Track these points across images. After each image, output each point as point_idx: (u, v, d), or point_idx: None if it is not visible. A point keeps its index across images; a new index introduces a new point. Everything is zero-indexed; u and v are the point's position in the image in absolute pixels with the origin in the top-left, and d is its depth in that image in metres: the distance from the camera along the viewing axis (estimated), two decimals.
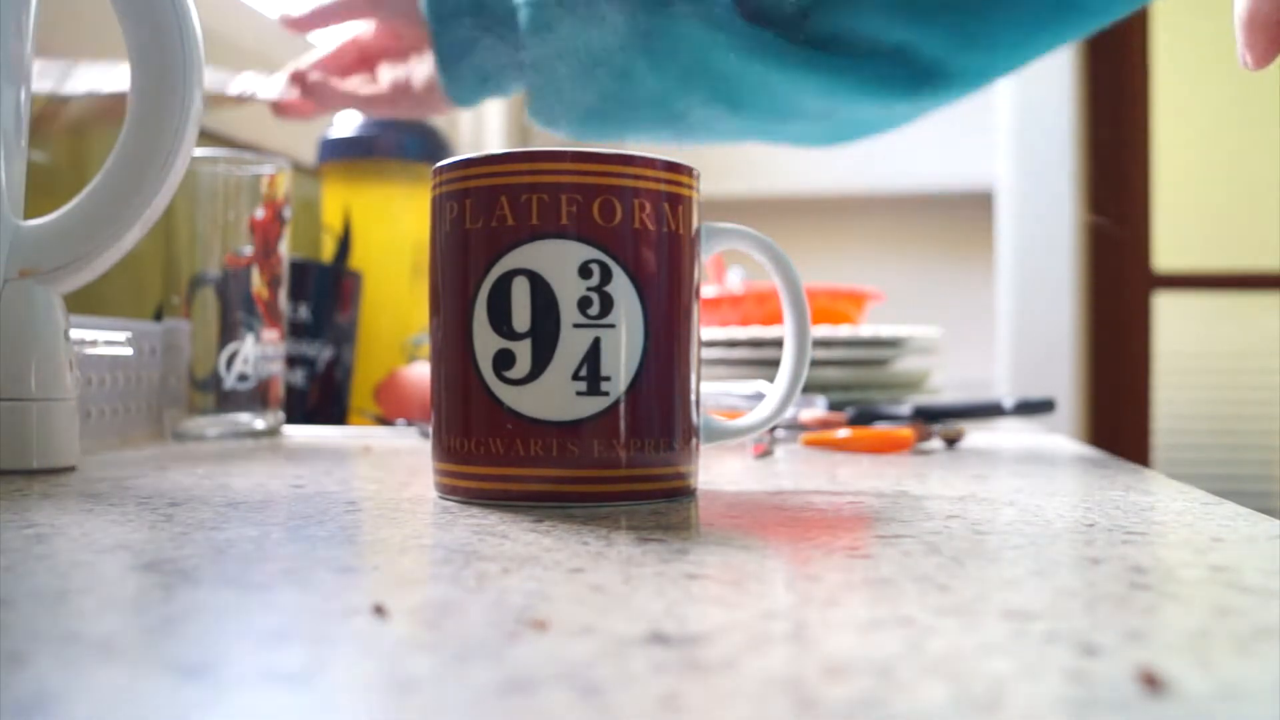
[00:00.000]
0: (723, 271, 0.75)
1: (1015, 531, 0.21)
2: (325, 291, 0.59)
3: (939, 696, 0.11)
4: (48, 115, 0.43)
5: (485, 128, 1.17)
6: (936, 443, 0.44)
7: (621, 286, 0.25)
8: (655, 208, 0.26)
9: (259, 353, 0.48)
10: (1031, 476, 0.33)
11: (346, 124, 0.69)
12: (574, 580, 0.17)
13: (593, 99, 0.46)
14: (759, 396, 0.48)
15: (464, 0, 0.46)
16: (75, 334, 0.39)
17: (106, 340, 0.46)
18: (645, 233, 0.25)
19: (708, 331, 0.56)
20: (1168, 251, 1.39)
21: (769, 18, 0.44)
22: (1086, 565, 0.18)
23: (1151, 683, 0.11)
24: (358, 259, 0.66)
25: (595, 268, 0.25)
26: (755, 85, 0.46)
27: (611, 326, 0.25)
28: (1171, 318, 1.40)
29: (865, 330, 0.56)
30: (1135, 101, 1.34)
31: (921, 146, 1.35)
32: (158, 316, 0.52)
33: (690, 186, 0.27)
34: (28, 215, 0.34)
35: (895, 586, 0.16)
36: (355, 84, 0.52)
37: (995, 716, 0.11)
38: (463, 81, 0.48)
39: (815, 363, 0.55)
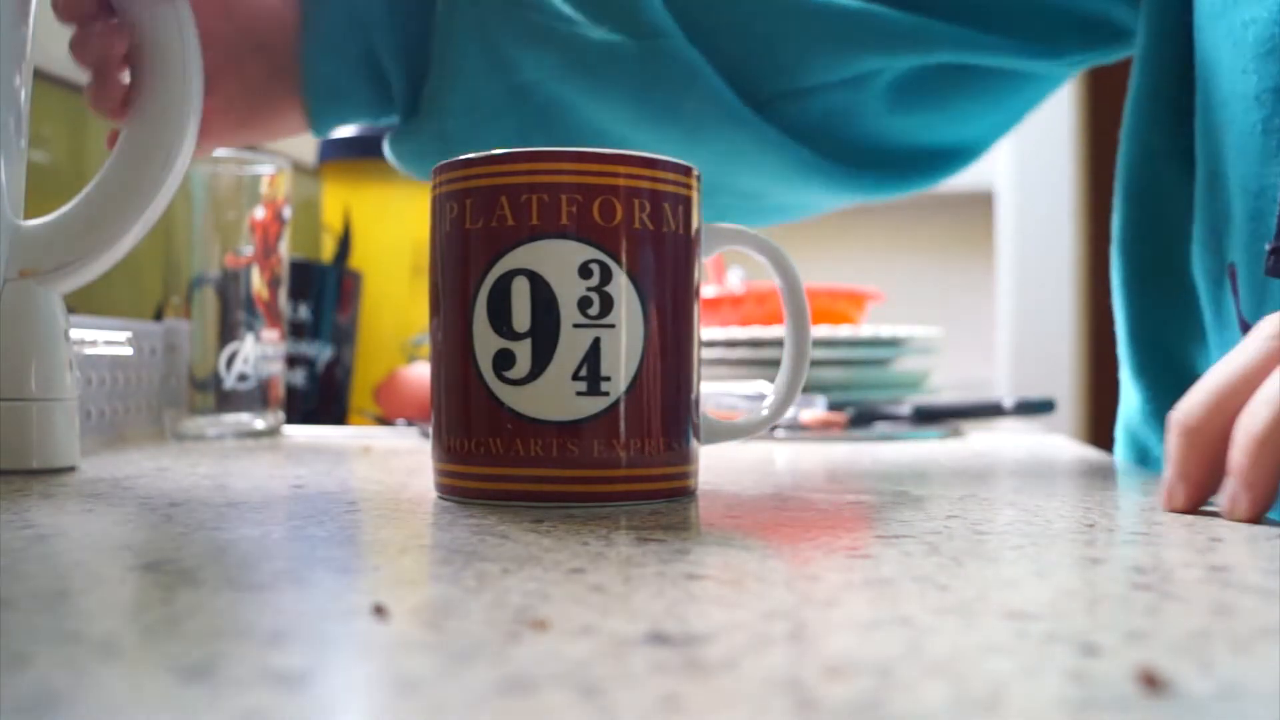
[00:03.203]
0: (723, 271, 0.75)
1: (1015, 532, 0.21)
2: (325, 291, 0.59)
3: (939, 697, 0.11)
4: None
5: None
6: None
7: (622, 286, 0.25)
8: (655, 208, 0.26)
9: (259, 353, 0.48)
10: (1031, 477, 0.33)
11: None
12: (574, 580, 0.17)
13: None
14: (759, 397, 0.48)
15: None
16: (75, 334, 0.38)
17: (106, 340, 0.46)
18: (646, 233, 0.25)
19: (708, 332, 0.56)
20: None
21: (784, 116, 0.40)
22: (1087, 565, 0.18)
23: (1151, 683, 0.11)
24: (358, 259, 0.66)
25: (595, 268, 0.25)
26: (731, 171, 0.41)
27: (611, 326, 0.25)
28: None
29: (865, 330, 0.56)
30: None
31: None
32: (158, 316, 0.52)
33: (691, 187, 0.27)
34: (28, 215, 0.34)
35: (895, 586, 0.16)
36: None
37: (995, 717, 0.11)
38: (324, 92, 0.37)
39: (815, 363, 0.55)
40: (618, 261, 0.25)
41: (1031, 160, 1.31)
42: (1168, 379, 0.37)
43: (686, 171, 0.27)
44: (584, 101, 0.39)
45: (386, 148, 0.42)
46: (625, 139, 0.40)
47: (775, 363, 0.54)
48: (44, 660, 0.12)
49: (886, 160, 0.44)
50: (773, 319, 0.61)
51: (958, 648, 0.13)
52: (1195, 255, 0.34)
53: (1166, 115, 0.36)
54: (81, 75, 0.35)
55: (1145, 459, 0.39)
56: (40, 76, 0.54)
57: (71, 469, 0.32)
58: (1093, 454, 0.42)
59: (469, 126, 0.39)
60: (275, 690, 0.11)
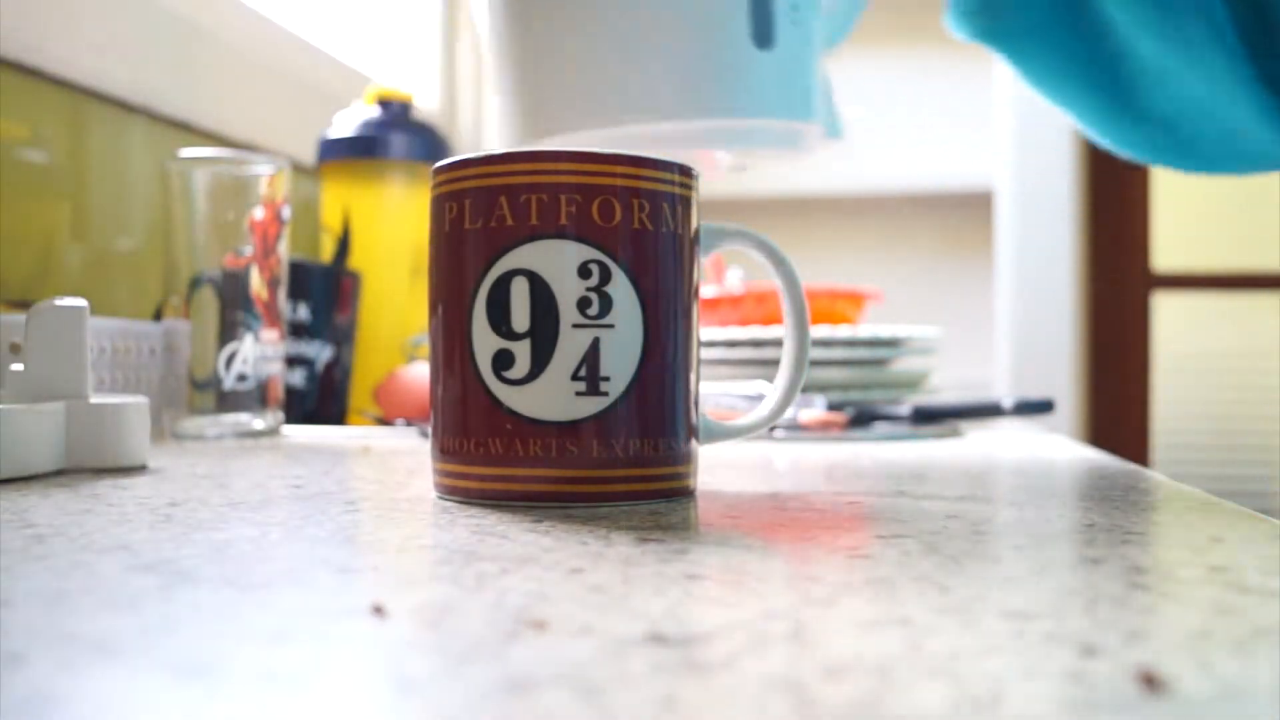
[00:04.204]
0: (722, 272, 0.74)
1: (1015, 531, 0.21)
2: (324, 292, 0.59)
3: (938, 697, 0.11)
4: None
5: (484, 128, 1.17)
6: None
7: (621, 287, 0.25)
8: (654, 208, 0.26)
9: (258, 353, 0.48)
10: (1031, 476, 0.33)
11: (346, 124, 0.69)
12: (573, 580, 0.17)
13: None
14: (759, 397, 0.48)
15: None
16: None
17: None
18: (645, 233, 0.25)
19: (708, 332, 0.56)
20: (1167, 251, 1.39)
21: None
22: (1086, 565, 0.18)
23: (1151, 683, 0.11)
24: (357, 259, 0.66)
25: (594, 268, 0.25)
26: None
27: (611, 327, 0.25)
28: (1170, 318, 1.40)
29: (864, 330, 0.56)
30: None
31: (921, 146, 1.35)
32: (157, 316, 0.52)
33: (689, 187, 0.27)
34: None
35: (894, 586, 0.16)
36: None
37: (994, 717, 0.11)
38: None
39: (814, 363, 0.55)
40: (617, 262, 0.25)
41: (1031, 160, 1.31)
42: None
43: (686, 171, 0.27)
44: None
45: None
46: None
47: (775, 363, 0.53)
48: (42, 660, 0.12)
49: None
50: (772, 319, 0.61)
51: (957, 648, 0.13)
52: None
53: None
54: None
55: None
56: (40, 76, 0.54)
57: (143, 468, 0.33)
58: (1092, 454, 0.42)
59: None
60: (274, 690, 0.11)
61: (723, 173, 0.46)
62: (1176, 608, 0.15)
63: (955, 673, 0.12)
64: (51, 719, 0.10)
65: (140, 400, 0.34)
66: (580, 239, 0.25)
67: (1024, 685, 0.12)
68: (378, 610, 0.14)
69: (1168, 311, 1.40)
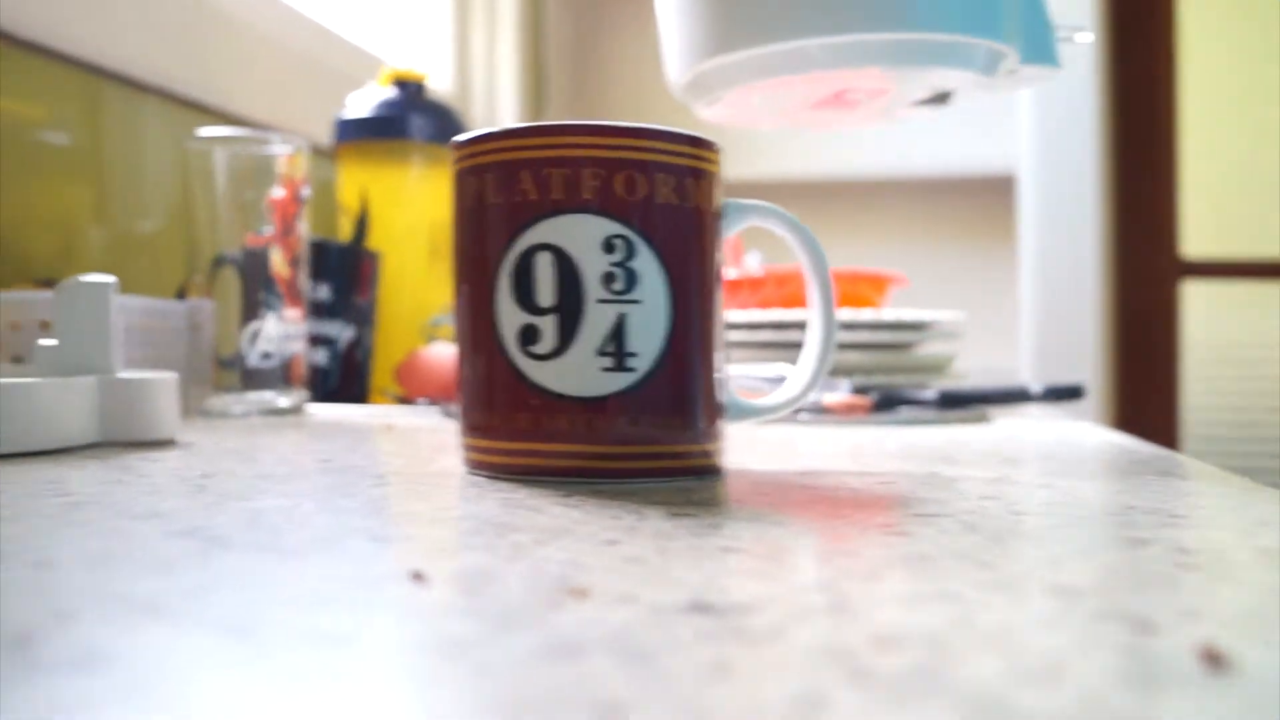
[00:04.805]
0: (741, 254, 0.74)
1: (1053, 513, 0.21)
2: (345, 272, 0.59)
3: (995, 669, 0.11)
4: None
5: (498, 106, 1.17)
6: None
7: (646, 261, 0.25)
8: (678, 182, 0.25)
9: (281, 331, 0.48)
10: (1064, 460, 0.32)
11: (361, 105, 0.69)
12: (609, 551, 0.16)
13: None
14: (780, 379, 0.48)
15: None
16: None
17: None
18: (669, 207, 0.25)
19: (730, 314, 0.56)
20: (1195, 238, 1.37)
21: None
22: (1131, 545, 0.18)
23: (1214, 659, 0.11)
24: (375, 240, 0.66)
25: (619, 243, 0.25)
26: None
27: (637, 302, 0.25)
28: (1200, 306, 1.38)
29: (888, 314, 0.55)
30: (1162, 83, 1.31)
31: (944, 130, 1.33)
32: (180, 296, 0.52)
33: (713, 161, 0.26)
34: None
35: (936, 563, 0.16)
36: None
37: (1056, 689, 0.10)
38: None
39: (838, 345, 0.54)
40: (641, 236, 0.25)
41: (1054, 144, 1.29)
42: None
43: (710, 146, 0.26)
44: None
45: None
46: None
47: (798, 345, 0.53)
48: (90, 618, 0.12)
49: None
50: (792, 302, 0.60)
51: (1009, 622, 0.13)
52: None
53: None
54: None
55: None
56: (59, 58, 0.54)
57: (171, 442, 0.33)
58: (1121, 439, 0.41)
59: None
60: (319, 649, 0.11)
61: (922, 107, 0.42)
62: (1230, 588, 0.15)
63: (1010, 645, 0.12)
64: (104, 675, 0.10)
65: (169, 375, 0.34)
66: (603, 213, 0.25)
67: (1082, 659, 0.11)
68: (417, 576, 0.14)
69: (1196, 299, 1.37)
